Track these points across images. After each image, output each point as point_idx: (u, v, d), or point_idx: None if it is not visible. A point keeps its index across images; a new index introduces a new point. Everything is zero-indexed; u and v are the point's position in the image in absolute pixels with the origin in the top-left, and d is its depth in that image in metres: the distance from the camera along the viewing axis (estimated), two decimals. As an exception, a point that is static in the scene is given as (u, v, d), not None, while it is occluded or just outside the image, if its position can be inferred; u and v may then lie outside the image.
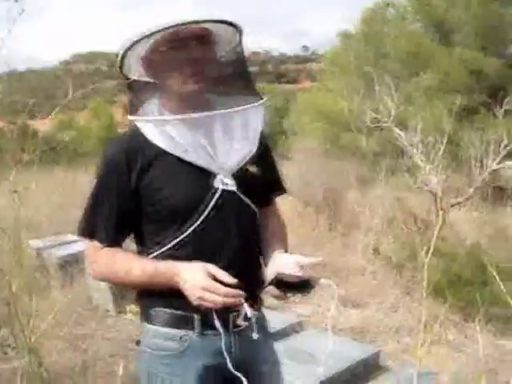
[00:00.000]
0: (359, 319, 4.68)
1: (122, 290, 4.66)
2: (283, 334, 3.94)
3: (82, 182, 9.07)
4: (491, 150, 5.59)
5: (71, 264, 5.42)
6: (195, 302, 1.56)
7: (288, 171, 8.32)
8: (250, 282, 1.65)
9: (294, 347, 3.63)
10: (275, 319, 3.96)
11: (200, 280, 1.54)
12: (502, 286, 1.68)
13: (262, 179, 1.74)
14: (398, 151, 6.48)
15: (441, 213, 3.90)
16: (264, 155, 1.79)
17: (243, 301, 1.58)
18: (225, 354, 1.61)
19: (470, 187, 5.95)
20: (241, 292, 1.55)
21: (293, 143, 13.85)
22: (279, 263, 1.68)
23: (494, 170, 5.86)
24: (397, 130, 6.24)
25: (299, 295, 1.67)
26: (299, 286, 1.62)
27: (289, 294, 1.65)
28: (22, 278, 3.18)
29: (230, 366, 1.61)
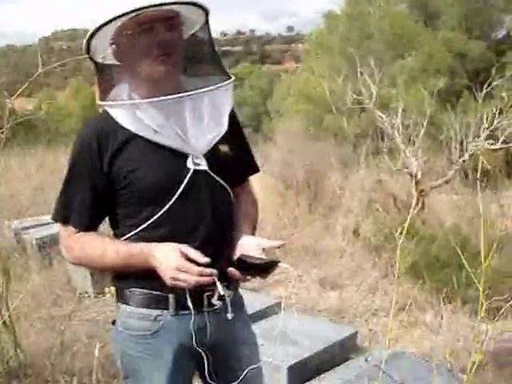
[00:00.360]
0: (338, 301, 4.71)
1: (101, 271, 4.66)
2: (261, 315, 3.95)
3: (63, 161, 9.02)
4: (471, 133, 5.65)
5: (51, 245, 5.39)
6: (169, 282, 1.58)
7: (270, 152, 8.33)
8: (225, 261, 1.66)
9: (272, 328, 3.64)
10: (253, 301, 3.98)
11: (173, 260, 1.56)
12: (469, 269, 1.70)
13: (233, 158, 1.76)
14: (380, 133, 6.49)
15: (415, 194, 3.95)
16: (235, 134, 1.80)
17: (216, 279, 1.59)
18: (192, 332, 1.64)
19: (450, 170, 6.02)
20: (214, 270, 1.57)
21: (276, 124, 13.85)
22: (243, 245, 1.70)
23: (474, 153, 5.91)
24: (378, 112, 6.27)
25: (258, 277, 1.70)
26: (259, 268, 1.63)
27: (248, 276, 1.67)
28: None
29: (194, 344, 1.64)
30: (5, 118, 3.09)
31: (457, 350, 3.57)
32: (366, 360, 3.08)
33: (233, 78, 1.72)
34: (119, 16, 1.53)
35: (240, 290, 1.87)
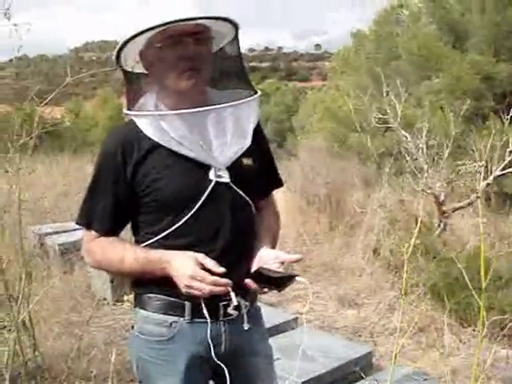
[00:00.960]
0: (355, 319, 4.68)
1: (121, 279, 4.69)
2: (278, 329, 3.95)
3: (87, 170, 9.12)
4: (496, 156, 5.60)
5: (73, 251, 5.46)
6: (184, 290, 1.60)
7: (293, 168, 8.35)
8: (243, 272, 1.67)
9: (289, 343, 3.64)
10: (271, 315, 3.98)
11: (189, 268, 1.58)
12: (477, 297, 1.70)
13: (257, 172, 1.77)
14: (404, 153, 6.46)
15: (437, 215, 3.91)
16: (260, 148, 1.82)
17: (230, 289, 1.60)
18: (209, 341, 1.65)
19: (473, 192, 5.96)
20: (228, 281, 1.59)
21: (300, 141, 13.86)
22: (261, 258, 1.72)
23: (499, 176, 5.86)
24: (403, 132, 6.25)
25: (275, 290, 1.69)
26: (277, 281, 1.64)
27: (265, 289, 1.67)
28: (21, 263, 3.21)
29: (213, 355, 1.65)
30: (34, 125, 3.15)
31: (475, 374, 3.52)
32: (376, 380, 3.07)
33: (259, 92, 1.74)
34: (148, 30, 1.57)
35: (258, 302, 1.88)
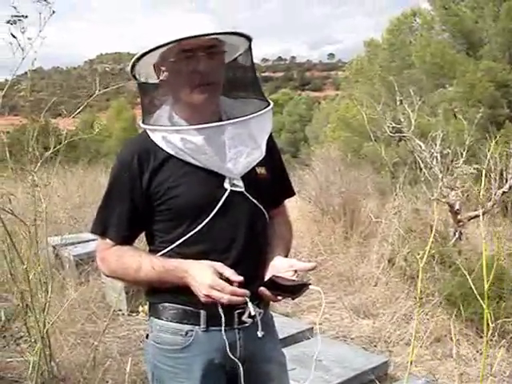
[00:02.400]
0: (371, 329, 4.66)
1: (136, 289, 4.71)
2: (293, 340, 3.93)
3: (101, 181, 9.19)
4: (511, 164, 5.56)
5: (88, 262, 5.48)
6: (202, 299, 1.61)
7: (307, 178, 8.34)
8: (257, 280, 1.69)
9: (303, 353, 3.63)
10: (285, 325, 3.97)
11: (207, 278, 1.59)
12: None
13: (270, 181, 1.80)
14: (418, 162, 6.44)
15: (453, 224, 3.88)
16: (272, 159, 1.84)
17: (248, 299, 1.62)
18: (226, 343, 1.66)
19: (488, 201, 5.91)
20: (246, 291, 1.60)
21: (314, 151, 13.87)
22: (275, 266, 1.73)
23: (515, 185, 5.81)
24: (417, 141, 6.22)
25: (289, 298, 1.71)
26: (291, 289, 1.65)
27: (279, 297, 1.69)
28: (37, 273, 3.24)
29: (228, 351, 1.66)
30: (49, 138, 3.19)
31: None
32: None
33: (272, 104, 1.76)
34: (162, 45, 1.59)
35: (272, 314, 1.90)
